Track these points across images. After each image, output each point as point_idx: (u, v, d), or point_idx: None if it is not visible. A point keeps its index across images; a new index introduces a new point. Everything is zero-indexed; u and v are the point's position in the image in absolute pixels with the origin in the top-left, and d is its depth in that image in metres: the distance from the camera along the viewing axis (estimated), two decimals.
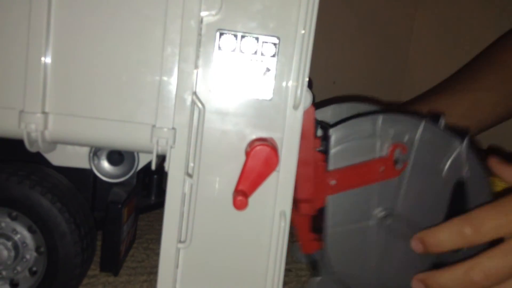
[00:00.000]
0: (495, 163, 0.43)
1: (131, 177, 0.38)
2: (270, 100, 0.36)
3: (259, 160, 0.34)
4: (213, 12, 0.34)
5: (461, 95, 0.61)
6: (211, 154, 0.35)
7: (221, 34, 0.35)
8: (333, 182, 0.39)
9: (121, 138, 0.34)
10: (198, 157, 0.35)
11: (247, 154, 0.34)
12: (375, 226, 0.41)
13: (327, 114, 0.49)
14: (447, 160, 0.41)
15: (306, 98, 0.36)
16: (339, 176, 0.40)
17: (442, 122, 0.43)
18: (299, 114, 0.35)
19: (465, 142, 0.41)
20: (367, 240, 0.41)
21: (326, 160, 0.40)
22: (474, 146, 0.42)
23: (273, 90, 0.36)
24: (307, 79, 0.35)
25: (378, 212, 0.41)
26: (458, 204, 0.41)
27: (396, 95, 1.10)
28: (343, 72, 1.05)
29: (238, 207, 0.33)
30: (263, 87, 0.36)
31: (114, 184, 0.39)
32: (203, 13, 0.34)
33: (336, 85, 1.05)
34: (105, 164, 0.38)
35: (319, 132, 0.41)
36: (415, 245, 0.39)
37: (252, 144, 0.35)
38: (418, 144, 0.40)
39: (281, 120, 0.36)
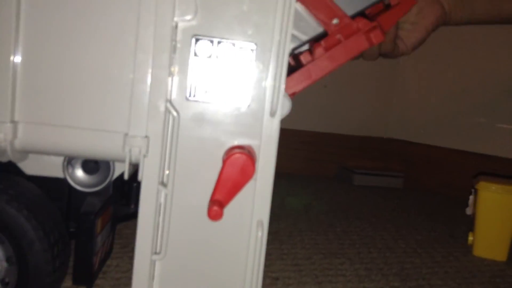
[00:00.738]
0: None
1: (106, 186, 0.37)
2: (248, 107, 0.35)
3: (235, 168, 0.33)
4: (188, 18, 0.33)
5: None
6: (186, 163, 0.34)
7: (197, 40, 0.34)
8: None
9: (93, 147, 0.34)
10: (173, 166, 0.34)
11: (224, 162, 0.34)
12: None
13: None
14: None
15: (284, 105, 0.36)
16: None
17: None
18: (276, 122, 0.34)
19: None
20: None
21: None
22: None
23: (251, 97, 0.35)
24: (283, 86, 0.35)
25: None
26: None
27: (388, 99, 1.09)
28: (334, 75, 1.04)
29: (213, 217, 0.32)
30: (240, 94, 0.35)
31: (89, 193, 0.38)
32: (177, 19, 0.33)
33: (327, 88, 1.04)
34: (80, 173, 0.38)
35: None
36: None
37: (229, 152, 0.34)
38: None
39: (259, 128, 0.35)
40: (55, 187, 0.38)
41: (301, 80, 0.38)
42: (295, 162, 1.03)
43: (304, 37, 0.39)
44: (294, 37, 0.39)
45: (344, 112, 1.06)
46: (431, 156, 1.03)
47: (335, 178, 1.04)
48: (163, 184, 0.34)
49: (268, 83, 0.34)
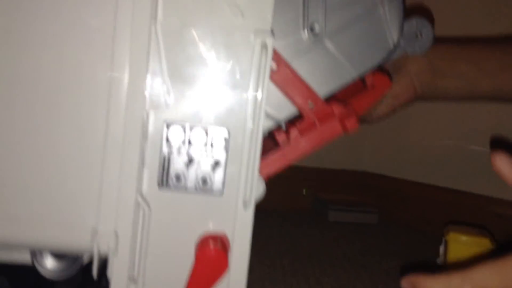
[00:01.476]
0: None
1: (76, 274, 0.36)
2: (221, 195, 0.34)
3: (207, 264, 0.32)
4: (159, 107, 0.32)
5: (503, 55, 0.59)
6: (157, 256, 0.33)
7: (168, 126, 0.33)
8: None
9: (59, 240, 0.32)
10: (144, 261, 0.33)
11: (196, 257, 0.33)
12: None
13: None
14: None
15: (258, 189, 0.35)
16: None
17: None
18: (249, 212, 0.34)
19: None
20: None
21: None
22: None
23: (224, 184, 0.34)
24: (257, 173, 0.34)
25: None
26: None
27: (362, 132, 1.09)
28: None
29: None
30: (214, 181, 0.34)
31: (57, 282, 0.36)
32: (148, 108, 0.32)
33: None
34: (48, 259, 0.36)
35: None
36: (406, 285, 0.37)
37: (201, 243, 0.34)
38: None
39: (233, 216, 0.34)
40: (22, 275, 0.36)
41: (276, 162, 0.38)
42: (272, 196, 1.02)
43: (281, 116, 0.38)
44: (270, 116, 0.38)
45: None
46: (405, 191, 1.03)
47: (312, 212, 1.04)
48: (133, 280, 0.33)
49: (242, 171, 0.34)
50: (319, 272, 0.71)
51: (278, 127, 0.39)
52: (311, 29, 0.37)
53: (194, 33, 0.32)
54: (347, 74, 0.38)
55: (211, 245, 0.33)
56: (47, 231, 0.32)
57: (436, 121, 1.01)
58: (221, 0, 0.32)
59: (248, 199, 0.33)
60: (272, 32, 0.32)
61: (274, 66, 0.36)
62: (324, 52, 0.38)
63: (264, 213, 0.98)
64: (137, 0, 0.30)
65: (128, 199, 0.32)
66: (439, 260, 0.64)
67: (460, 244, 0.61)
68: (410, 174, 1.04)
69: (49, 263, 0.36)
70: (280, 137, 0.38)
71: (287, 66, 0.37)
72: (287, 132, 0.38)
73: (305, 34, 0.37)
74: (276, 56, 0.36)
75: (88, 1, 0.31)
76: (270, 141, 0.40)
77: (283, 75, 0.37)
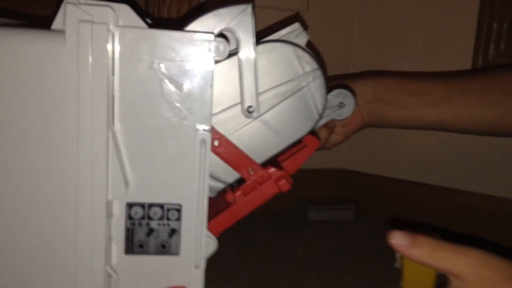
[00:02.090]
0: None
1: None
2: (178, 255, 0.42)
3: None
4: (121, 193, 0.40)
5: (447, 88, 0.66)
6: None
7: (130, 206, 0.41)
8: None
9: None
10: None
11: None
12: None
13: None
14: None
15: (209, 246, 0.43)
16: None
17: None
18: (200, 273, 0.41)
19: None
20: None
21: None
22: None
23: (179, 246, 0.42)
24: (204, 236, 0.41)
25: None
26: None
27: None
28: None
29: None
30: (171, 245, 0.41)
31: None
32: (111, 196, 0.39)
33: None
34: None
35: None
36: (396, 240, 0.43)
37: None
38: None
39: (192, 273, 0.42)
40: None
41: (226, 220, 0.45)
42: None
43: (229, 180, 0.45)
44: (220, 179, 0.45)
45: None
46: (380, 187, 1.10)
47: (294, 212, 1.12)
48: None
49: (193, 241, 0.41)
50: (294, 275, 0.79)
51: (228, 188, 0.47)
52: (247, 110, 0.43)
53: (146, 132, 0.39)
54: (281, 144, 0.45)
55: None
56: None
57: None
58: (169, 104, 0.39)
59: (198, 263, 0.41)
60: (210, 130, 0.39)
61: (217, 142, 0.43)
62: (260, 126, 0.44)
63: (248, 216, 1.05)
64: (95, 115, 0.37)
65: (98, 270, 0.39)
66: (396, 264, 0.72)
67: None
68: (385, 170, 1.11)
69: None
70: (229, 197, 0.46)
71: (228, 141, 0.43)
72: (234, 192, 0.45)
73: (243, 110, 0.44)
74: (217, 134, 0.43)
75: (55, 118, 0.37)
76: (222, 199, 0.47)
77: (225, 149, 0.43)
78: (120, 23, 0.37)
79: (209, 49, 0.38)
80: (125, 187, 0.40)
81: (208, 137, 0.39)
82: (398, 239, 0.42)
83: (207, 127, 0.39)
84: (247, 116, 0.44)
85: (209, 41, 0.38)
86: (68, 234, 0.39)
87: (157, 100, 0.39)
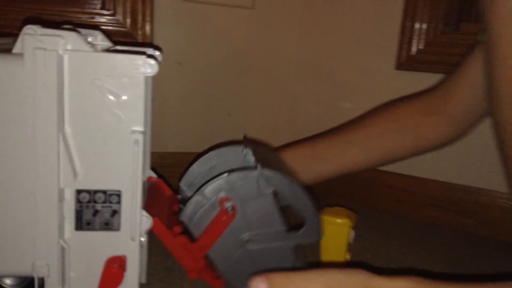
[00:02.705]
0: None
1: (28, 282, 0.54)
2: (119, 230, 0.52)
3: (109, 276, 0.51)
4: (71, 182, 0.50)
5: (339, 144, 0.82)
6: (78, 275, 0.52)
7: (78, 192, 0.51)
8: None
9: (13, 272, 0.50)
10: (68, 279, 0.51)
11: (102, 273, 0.51)
12: (246, 249, 0.59)
13: (194, 172, 0.70)
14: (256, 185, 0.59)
15: (145, 224, 0.53)
16: (204, 240, 0.57)
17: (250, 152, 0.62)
18: (136, 244, 0.52)
19: (259, 168, 0.58)
20: (250, 259, 0.60)
21: (191, 236, 0.58)
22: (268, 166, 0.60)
23: (120, 224, 0.52)
24: (140, 215, 0.52)
25: (243, 239, 0.59)
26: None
27: (289, 125, 1.27)
28: (238, 103, 1.21)
29: None
30: (113, 223, 0.52)
31: None
32: (63, 185, 0.49)
33: (231, 116, 1.21)
34: (8, 279, 0.54)
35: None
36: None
37: (107, 262, 0.52)
38: (235, 190, 0.58)
39: (129, 244, 0.52)
40: None
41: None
42: None
43: None
44: None
45: (247, 134, 1.24)
46: None
47: None
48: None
49: (131, 218, 0.52)
50: None
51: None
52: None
53: (90, 133, 0.49)
54: None
55: (112, 264, 0.51)
56: (6, 266, 0.50)
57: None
58: (109, 111, 0.49)
59: (133, 235, 0.52)
60: (143, 132, 0.50)
61: None
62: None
63: None
64: (48, 121, 0.47)
65: (53, 242, 0.50)
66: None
67: (328, 224, 0.81)
68: None
69: (9, 280, 0.54)
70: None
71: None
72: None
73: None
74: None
75: (16, 124, 0.47)
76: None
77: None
78: (69, 47, 0.47)
79: (140, 66, 0.48)
80: (74, 177, 0.50)
81: (140, 137, 0.49)
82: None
83: (140, 129, 0.50)
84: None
85: (141, 59, 0.48)
86: (28, 215, 0.49)
87: (99, 108, 0.49)
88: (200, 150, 1.18)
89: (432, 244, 0.99)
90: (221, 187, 0.58)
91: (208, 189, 0.58)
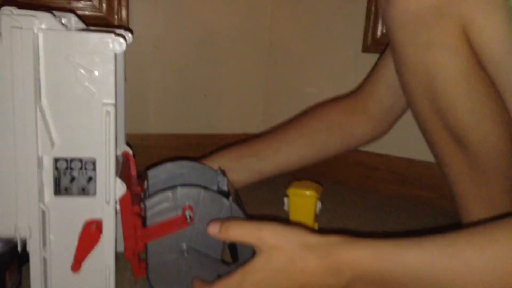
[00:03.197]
0: None
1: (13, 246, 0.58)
2: (95, 195, 0.57)
3: (87, 237, 0.56)
4: (48, 151, 0.54)
5: (274, 143, 0.89)
6: (57, 236, 0.56)
7: (56, 160, 0.55)
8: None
9: None
10: (48, 239, 0.56)
11: (81, 233, 0.56)
12: (180, 257, 0.64)
13: (167, 168, 0.72)
14: (220, 212, 0.64)
15: (119, 190, 0.58)
16: (153, 231, 0.62)
17: (225, 180, 0.67)
18: (111, 206, 0.57)
19: (230, 200, 0.64)
20: (177, 266, 0.64)
21: (143, 221, 0.63)
22: (237, 202, 0.65)
23: (95, 190, 0.57)
24: (113, 186, 0.57)
25: (181, 247, 0.64)
26: None
27: (261, 107, 1.31)
28: (213, 85, 1.25)
29: (74, 270, 0.55)
30: (89, 189, 0.57)
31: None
32: (41, 153, 0.54)
33: (207, 98, 1.26)
34: None
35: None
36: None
37: (85, 225, 0.57)
38: (201, 205, 0.64)
39: (105, 208, 0.57)
40: None
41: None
42: None
43: None
44: None
45: (222, 115, 1.29)
46: None
47: None
48: (45, 250, 0.56)
49: (105, 180, 0.56)
50: None
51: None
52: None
53: (66, 105, 0.54)
54: None
55: (89, 226, 0.56)
56: None
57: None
58: (82, 85, 0.53)
59: (108, 199, 0.56)
60: (113, 104, 0.54)
61: None
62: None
63: None
64: (25, 95, 0.52)
65: (34, 206, 0.54)
66: (285, 207, 0.89)
67: (296, 196, 0.86)
68: None
69: None
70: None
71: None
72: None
73: None
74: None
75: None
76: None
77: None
78: (43, 26, 0.51)
79: (109, 44, 0.53)
80: (51, 146, 0.54)
81: (111, 109, 0.54)
82: (211, 229, 0.55)
83: (111, 102, 0.54)
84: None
85: (110, 37, 0.53)
86: (10, 181, 0.54)
87: (73, 82, 0.53)
88: (179, 132, 1.23)
89: (397, 217, 1.05)
90: (192, 196, 0.63)
91: (181, 191, 0.63)
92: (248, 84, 1.29)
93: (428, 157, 1.14)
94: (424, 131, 0.72)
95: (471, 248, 0.46)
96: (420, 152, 1.14)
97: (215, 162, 0.82)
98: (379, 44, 1.13)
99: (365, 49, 1.15)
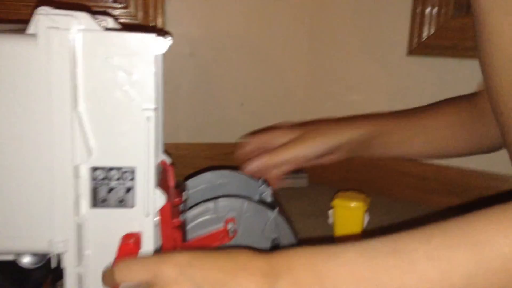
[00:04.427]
0: None
1: (46, 261, 0.55)
2: (133, 207, 0.53)
3: (125, 252, 0.52)
4: (86, 159, 0.51)
5: (403, 127, 0.81)
6: (95, 251, 0.53)
7: (94, 169, 0.52)
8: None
9: (32, 249, 0.52)
10: (86, 254, 0.52)
11: (119, 247, 0.52)
12: None
13: (206, 178, 0.68)
14: (265, 224, 0.60)
15: (159, 202, 0.54)
16: (193, 245, 0.58)
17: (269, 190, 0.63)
18: (150, 219, 0.53)
19: (275, 212, 0.60)
20: None
21: (183, 234, 0.58)
22: (282, 214, 0.61)
23: (135, 201, 0.53)
24: (153, 197, 0.53)
25: None
26: None
27: (301, 117, 1.27)
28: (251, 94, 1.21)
29: None
30: (127, 200, 0.53)
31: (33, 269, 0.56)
32: (79, 161, 0.51)
33: (243, 107, 1.22)
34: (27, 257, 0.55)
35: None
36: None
37: (123, 239, 0.53)
38: (244, 217, 0.59)
39: (144, 221, 0.53)
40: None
41: None
42: None
43: None
44: None
45: (260, 124, 1.24)
46: None
47: None
48: (80, 266, 0.52)
49: (146, 194, 0.53)
50: None
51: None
52: None
53: (104, 111, 0.50)
54: None
55: (127, 240, 0.52)
56: (25, 244, 0.51)
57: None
58: (121, 89, 0.50)
59: (147, 212, 0.53)
60: (155, 109, 0.51)
61: None
62: None
63: None
64: (62, 99, 0.48)
65: (70, 219, 0.51)
66: (329, 220, 0.84)
67: (343, 209, 0.81)
68: None
69: (27, 258, 0.55)
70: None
71: None
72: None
73: None
74: None
75: (32, 103, 0.48)
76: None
77: None
78: (81, 27, 0.48)
79: (150, 45, 0.49)
80: (89, 155, 0.51)
81: (152, 114, 0.50)
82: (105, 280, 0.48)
83: (151, 107, 0.51)
84: None
85: (151, 38, 0.49)
86: (45, 191, 0.50)
87: (112, 86, 0.50)
88: (214, 141, 1.20)
89: None
90: (235, 208, 0.59)
91: (223, 203, 0.59)
92: (287, 92, 1.24)
93: (481, 166, 1.08)
94: (501, 116, 0.61)
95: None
96: (471, 160, 1.07)
97: (361, 125, 0.77)
98: (425, 47, 1.08)
99: (410, 52, 1.09)
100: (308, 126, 0.79)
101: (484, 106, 0.78)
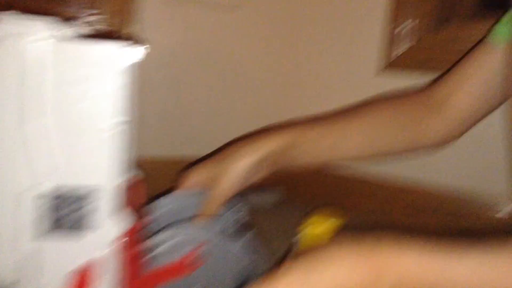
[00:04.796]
0: None
1: None
2: (95, 231, 0.49)
3: (84, 281, 0.48)
4: (44, 178, 0.46)
5: (332, 130, 0.76)
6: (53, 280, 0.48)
7: (57, 189, 0.47)
8: None
9: None
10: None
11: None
12: None
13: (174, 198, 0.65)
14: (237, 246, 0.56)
15: (124, 224, 0.50)
16: (160, 274, 0.54)
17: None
18: (113, 245, 0.49)
19: (251, 233, 0.56)
20: None
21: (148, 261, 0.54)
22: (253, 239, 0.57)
23: (99, 222, 0.48)
24: (118, 218, 0.48)
25: None
26: None
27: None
28: (222, 107, 1.18)
29: None
30: (92, 221, 0.48)
31: None
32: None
33: (215, 118, 1.18)
34: None
35: None
36: None
37: (83, 267, 0.48)
38: (214, 241, 0.55)
39: (105, 247, 0.49)
40: None
41: None
42: None
43: None
44: None
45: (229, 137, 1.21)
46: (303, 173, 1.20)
47: None
48: None
49: (109, 216, 0.48)
50: None
51: None
52: None
53: (70, 127, 0.46)
54: None
55: (86, 268, 0.48)
56: None
57: None
58: (82, 102, 0.45)
59: (111, 234, 0.48)
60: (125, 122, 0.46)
61: None
62: None
63: None
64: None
65: (26, 243, 0.46)
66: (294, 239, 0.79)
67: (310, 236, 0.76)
68: None
69: None
70: None
71: None
72: None
73: None
74: None
75: None
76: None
77: None
78: (42, 36, 0.43)
79: (119, 56, 0.45)
80: (49, 173, 0.46)
81: (122, 128, 0.46)
82: None
83: (122, 120, 0.46)
84: None
85: (122, 48, 0.45)
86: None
87: (77, 99, 0.45)
88: (185, 153, 1.15)
89: None
90: (205, 232, 0.56)
91: (192, 226, 0.56)
92: (259, 105, 1.21)
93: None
94: None
95: None
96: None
97: (280, 134, 0.71)
98: (400, 62, 1.07)
99: (386, 66, 1.08)
100: (223, 153, 0.71)
101: (441, 95, 0.78)
